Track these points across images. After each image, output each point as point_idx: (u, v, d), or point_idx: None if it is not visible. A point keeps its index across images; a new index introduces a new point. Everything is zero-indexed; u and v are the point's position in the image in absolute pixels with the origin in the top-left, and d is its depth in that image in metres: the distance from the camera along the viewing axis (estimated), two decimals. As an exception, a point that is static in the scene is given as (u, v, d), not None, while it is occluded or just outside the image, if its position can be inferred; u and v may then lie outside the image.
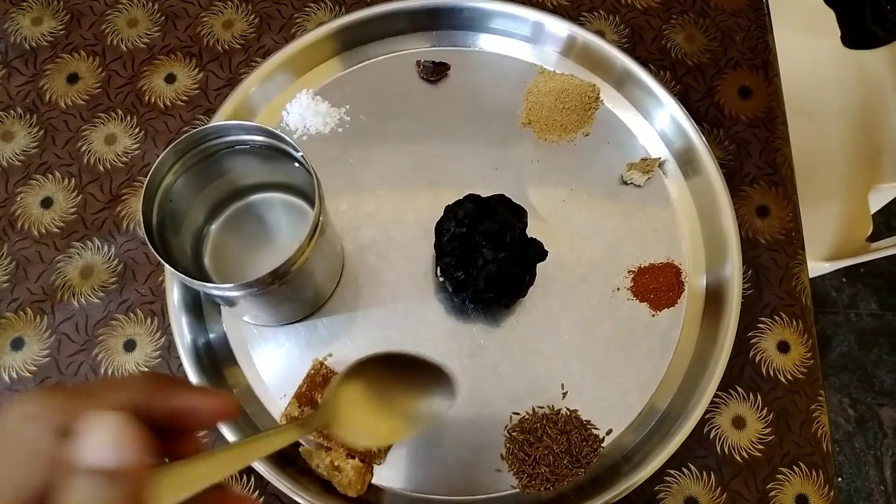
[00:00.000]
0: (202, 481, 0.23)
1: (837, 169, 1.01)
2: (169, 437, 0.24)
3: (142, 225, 0.43)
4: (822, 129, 1.02)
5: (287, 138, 0.45)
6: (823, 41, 1.06)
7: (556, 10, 0.66)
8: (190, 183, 0.49)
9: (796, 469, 0.55)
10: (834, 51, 1.06)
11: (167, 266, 0.43)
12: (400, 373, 0.37)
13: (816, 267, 0.96)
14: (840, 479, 1.35)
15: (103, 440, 0.19)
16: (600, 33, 0.64)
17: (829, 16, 1.07)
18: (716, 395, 0.55)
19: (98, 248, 0.59)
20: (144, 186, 0.44)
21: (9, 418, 0.20)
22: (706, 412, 0.55)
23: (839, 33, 1.06)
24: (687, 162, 0.61)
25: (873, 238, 0.96)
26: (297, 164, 0.48)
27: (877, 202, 0.99)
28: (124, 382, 0.23)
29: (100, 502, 0.19)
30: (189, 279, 0.43)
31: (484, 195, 0.54)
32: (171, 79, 0.64)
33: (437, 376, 0.37)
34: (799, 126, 0.97)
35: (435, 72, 0.63)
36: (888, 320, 1.49)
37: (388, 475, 0.54)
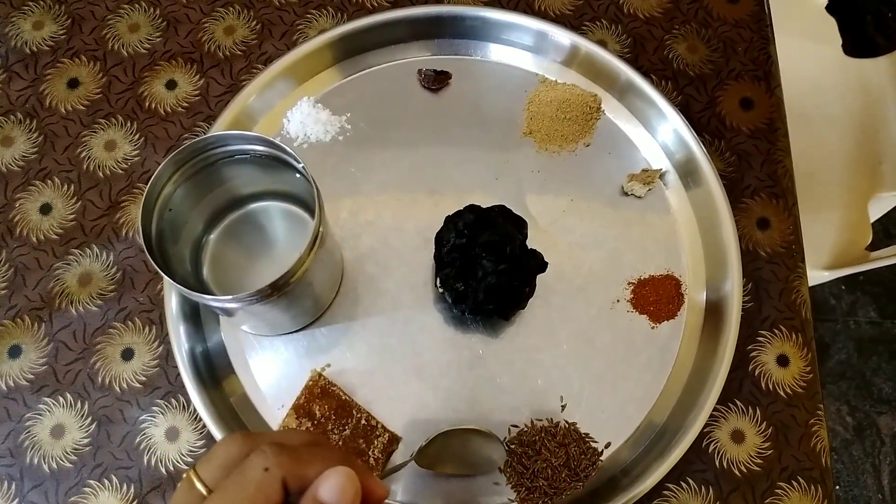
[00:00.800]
0: None
1: (837, 177, 1.01)
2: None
3: (141, 236, 0.43)
4: (822, 137, 1.02)
5: (288, 149, 0.45)
6: (824, 49, 1.06)
7: (559, 20, 0.66)
8: (189, 192, 0.49)
9: (795, 484, 0.55)
10: (835, 59, 1.06)
11: (165, 277, 0.43)
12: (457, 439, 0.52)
13: (816, 276, 0.96)
14: (838, 487, 1.35)
15: (338, 486, 0.26)
16: (602, 43, 0.64)
17: (831, 24, 1.06)
18: (715, 409, 0.55)
19: (97, 255, 0.59)
20: (144, 197, 0.44)
21: (250, 466, 0.26)
22: (705, 426, 0.54)
23: (840, 41, 1.06)
24: (688, 173, 0.61)
25: (873, 247, 0.96)
26: (297, 175, 0.48)
27: (876, 211, 0.99)
28: (329, 454, 0.28)
29: None
30: (187, 290, 0.43)
31: (484, 204, 0.54)
32: (171, 85, 0.64)
33: (488, 440, 0.52)
34: (799, 134, 0.97)
35: (436, 80, 0.63)
36: (887, 328, 1.49)
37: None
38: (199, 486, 0.27)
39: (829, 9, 1.06)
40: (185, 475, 0.28)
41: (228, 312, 0.50)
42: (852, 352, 1.47)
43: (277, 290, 0.45)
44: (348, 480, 0.26)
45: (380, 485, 0.30)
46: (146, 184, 0.44)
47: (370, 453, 0.51)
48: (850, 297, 1.51)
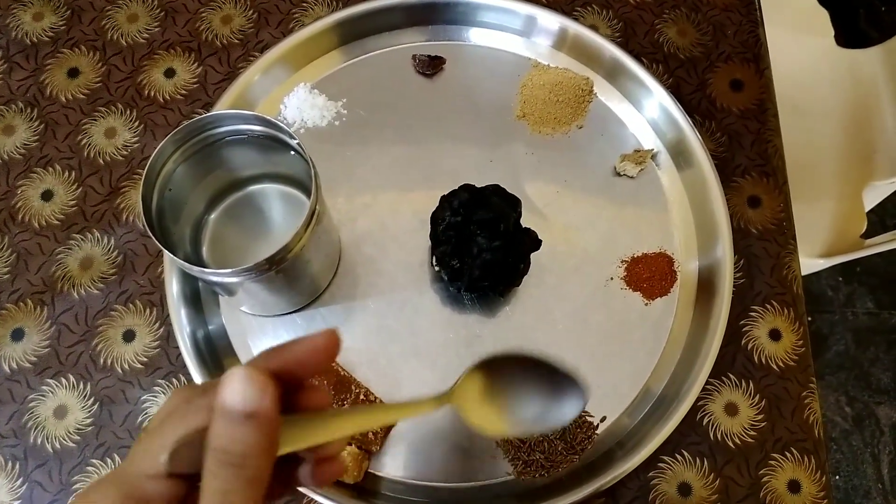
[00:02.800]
0: (324, 435, 0.26)
1: (831, 166, 1.02)
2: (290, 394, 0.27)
3: (141, 212, 0.44)
4: (815, 128, 1.03)
5: (283, 126, 0.46)
6: (817, 40, 1.07)
7: (551, 5, 0.67)
8: (189, 172, 0.50)
9: (788, 455, 0.55)
10: (827, 50, 1.07)
11: (166, 253, 0.43)
12: (530, 372, 0.36)
13: (811, 264, 0.97)
14: (837, 476, 1.36)
15: (239, 387, 0.23)
16: (593, 27, 0.65)
17: (823, 15, 1.08)
18: (708, 383, 0.56)
19: (98, 239, 0.60)
20: (144, 173, 0.45)
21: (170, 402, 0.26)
22: (699, 399, 0.55)
23: (833, 33, 1.07)
24: (679, 153, 0.62)
25: (868, 235, 0.97)
26: (294, 154, 0.49)
27: (871, 200, 1.00)
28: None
29: (237, 440, 0.23)
30: (188, 265, 0.43)
31: (479, 186, 0.55)
32: (170, 73, 0.65)
33: (566, 382, 0.36)
34: (793, 124, 0.98)
35: (430, 65, 0.64)
36: (884, 319, 1.49)
37: (384, 462, 0.54)
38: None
39: (821, 1, 1.07)
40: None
41: (228, 289, 0.51)
42: (850, 343, 1.48)
43: (275, 265, 0.45)
44: (248, 380, 0.23)
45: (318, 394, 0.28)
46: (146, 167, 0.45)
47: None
48: (847, 289, 1.52)
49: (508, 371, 0.36)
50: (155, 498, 0.24)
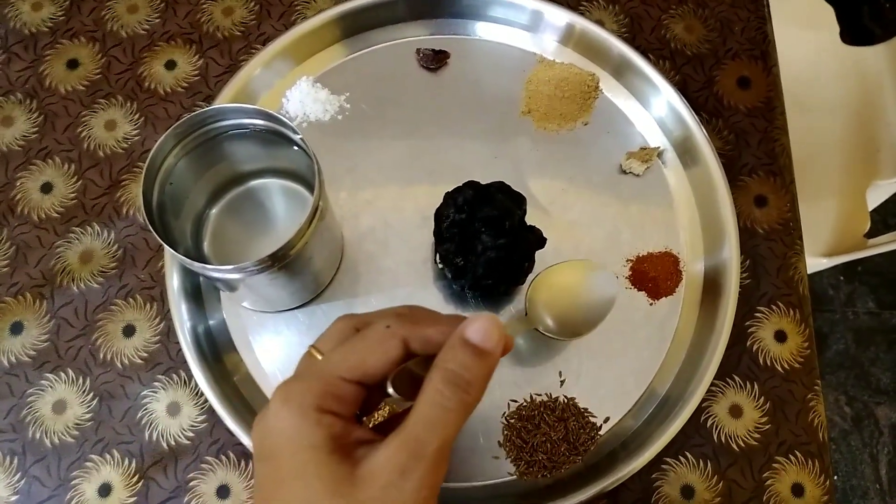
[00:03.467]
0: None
1: (835, 164, 1.01)
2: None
3: (142, 207, 0.43)
4: (819, 125, 1.03)
5: (286, 120, 0.45)
6: (821, 36, 1.06)
7: (556, 0, 0.66)
8: (190, 166, 0.49)
9: (792, 458, 0.55)
10: (832, 46, 1.06)
11: (167, 248, 0.43)
12: (567, 276, 0.49)
13: (814, 263, 0.96)
14: (836, 477, 1.36)
15: (484, 328, 0.29)
16: (600, 23, 0.64)
17: (828, 11, 1.07)
18: (713, 384, 0.55)
19: (98, 233, 0.59)
20: (145, 168, 0.44)
21: (373, 327, 0.30)
22: (703, 400, 0.55)
23: (838, 30, 1.06)
24: (686, 151, 0.61)
25: (871, 235, 0.97)
26: (296, 148, 0.48)
27: (874, 198, 1.00)
28: (444, 318, 0.32)
29: (470, 368, 0.28)
30: (189, 261, 0.43)
31: (483, 183, 0.54)
32: (171, 65, 0.64)
33: (599, 276, 0.49)
34: (796, 121, 0.97)
35: (435, 60, 0.63)
36: (885, 319, 1.49)
37: (385, 461, 0.54)
38: (316, 355, 0.31)
39: (825, -3, 1.06)
40: (306, 351, 0.32)
41: (229, 285, 0.50)
42: (850, 342, 1.48)
43: (277, 261, 0.45)
44: (494, 325, 0.29)
45: (510, 339, 0.32)
46: (146, 163, 0.44)
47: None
48: (848, 288, 1.52)
49: (555, 282, 0.48)
50: (347, 396, 0.29)
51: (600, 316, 0.51)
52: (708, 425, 0.56)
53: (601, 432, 0.55)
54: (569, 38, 0.64)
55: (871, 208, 0.98)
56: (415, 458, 0.27)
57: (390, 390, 0.28)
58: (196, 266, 0.43)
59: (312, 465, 0.27)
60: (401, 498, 0.27)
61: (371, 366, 0.29)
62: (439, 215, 0.54)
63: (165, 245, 0.43)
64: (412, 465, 0.27)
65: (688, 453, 0.55)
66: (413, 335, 0.30)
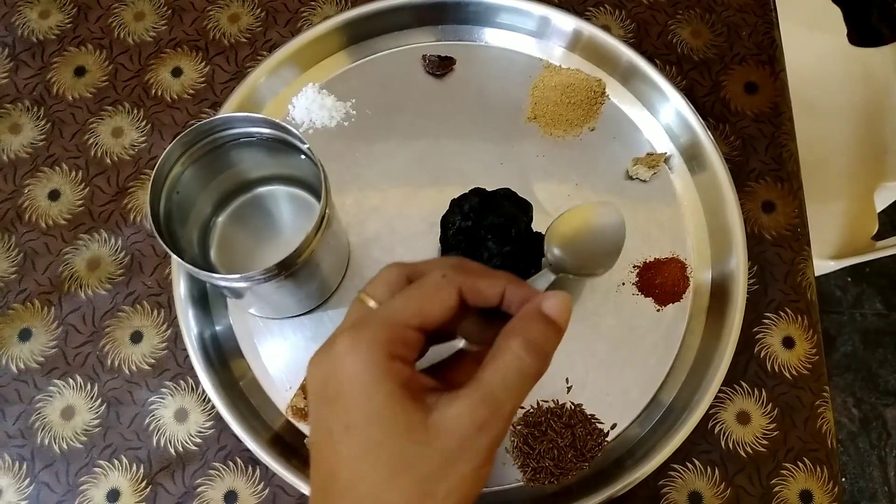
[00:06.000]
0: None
1: (843, 167, 1.01)
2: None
3: (149, 215, 0.44)
4: (827, 127, 1.02)
5: (293, 130, 0.46)
6: (829, 38, 1.06)
7: (562, 5, 0.66)
8: (197, 175, 0.49)
9: (801, 465, 0.55)
10: (839, 48, 1.05)
11: (174, 256, 0.43)
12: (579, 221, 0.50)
13: (822, 265, 0.96)
14: (844, 479, 1.35)
15: (561, 306, 0.30)
16: (606, 28, 0.64)
17: (836, 13, 1.06)
18: (720, 391, 0.55)
19: (105, 240, 0.60)
20: (152, 177, 0.44)
21: (430, 276, 0.31)
22: (711, 407, 0.54)
23: (845, 31, 1.06)
24: (692, 157, 0.61)
25: (879, 237, 0.96)
26: (303, 157, 0.49)
27: (882, 201, 0.99)
28: (497, 273, 0.32)
29: (548, 340, 0.30)
30: (196, 270, 0.43)
31: (489, 189, 0.54)
32: (177, 72, 0.64)
33: (604, 207, 0.51)
34: (804, 123, 0.97)
35: (440, 66, 0.63)
36: (893, 320, 1.48)
37: (392, 467, 0.54)
38: (370, 302, 0.31)
39: (834, -1, 1.06)
40: (356, 297, 0.32)
41: (236, 293, 0.50)
42: (858, 344, 1.47)
43: (285, 270, 0.45)
44: (568, 303, 0.31)
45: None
46: (153, 169, 0.44)
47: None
48: (855, 290, 1.51)
49: (567, 223, 0.49)
50: (411, 343, 0.29)
51: (614, 246, 0.51)
52: (715, 432, 0.55)
53: (608, 439, 0.55)
54: (575, 43, 0.64)
55: (878, 210, 0.98)
56: (493, 417, 0.28)
57: (462, 343, 0.30)
58: (202, 275, 0.44)
59: (387, 411, 0.27)
60: (476, 452, 0.27)
61: (431, 314, 0.29)
62: (445, 222, 0.54)
63: (172, 254, 0.43)
64: (489, 423, 0.28)
65: (695, 460, 0.55)
66: (467, 286, 0.30)
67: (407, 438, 0.27)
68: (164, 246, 0.43)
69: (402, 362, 0.28)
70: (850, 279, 1.52)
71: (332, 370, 0.28)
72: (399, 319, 0.29)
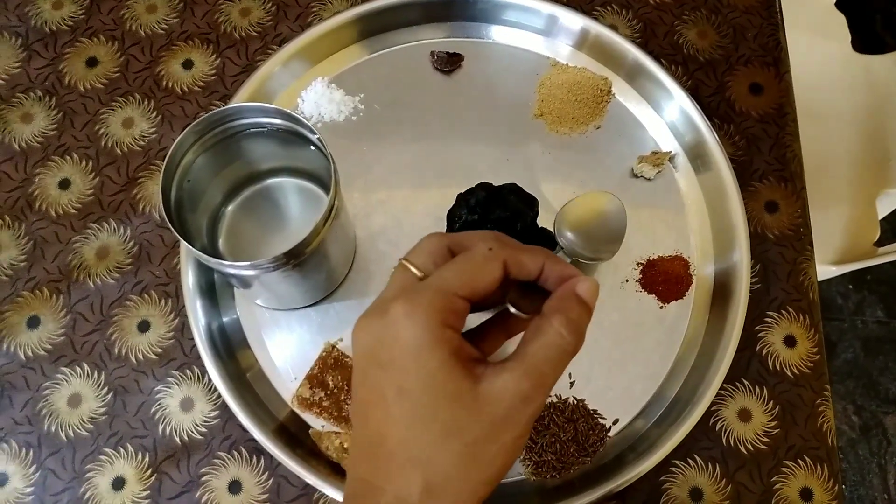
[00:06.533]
0: None
1: (845, 173, 1.01)
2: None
3: (160, 202, 0.44)
4: (830, 133, 1.03)
5: (304, 120, 0.46)
6: (833, 45, 1.06)
7: (570, 4, 0.67)
8: (208, 164, 0.50)
9: (801, 462, 0.55)
10: (843, 55, 1.06)
11: (183, 243, 0.44)
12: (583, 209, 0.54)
13: (823, 270, 0.96)
14: (843, 486, 1.35)
15: (594, 293, 0.32)
16: (613, 27, 0.65)
17: (840, 20, 1.07)
18: (722, 388, 0.55)
19: (114, 229, 0.60)
20: (164, 164, 0.45)
21: (477, 248, 0.32)
22: (712, 404, 0.55)
23: (849, 38, 1.06)
24: (697, 156, 0.61)
25: (880, 243, 0.96)
26: (312, 148, 0.49)
27: (885, 207, 1.00)
28: (535, 248, 0.33)
29: (584, 322, 0.31)
30: (205, 257, 0.43)
31: (496, 184, 0.55)
32: (188, 64, 0.65)
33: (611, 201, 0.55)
34: (807, 129, 0.97)
35: (449, 62, 0.63)
36: (894, 328, 1.48)
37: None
38: (413, 269, 0.32)
39: (838, 5, 1.06)
40: (397, 264, 0.33)
41: (244, 282, 0.51)
42: (859, 351, 1.47)
43: (293, 259, 0.45)
44: (597, 288, 0.32)
45: None
46: (163, 161, 0.45)
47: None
48: (857, 297, 1.51)
49: (575, 210, 0.54)
50: (460, 311, 0.30)
51: (618, 232, 0.55)
52: (717, 429, 0.56)
53: (610, 434, 0.55)
54: (582, 42, 0.64)
55: (881, 217, 0.98)
56: (536, 389, 0.29)
57: (512, 308, 0.31)
58: (212, 262, 0.44)
59: (440, 377, 0.28)
60: (519, 421, 0.29)
61: (480, 285, 0.30)
62: (451, 216, 0.55)
63: (182, 240, 0.43)
64: (533, 395, 0.29)
65: (696, 456, 0.55)
66: (512, 259, 0.31)
67: (458, 405, 0.28)
68: (175, 232, 0.43)
69: (452, 330, 0.29)
70: (851, 286, 1.52)
71: (385, 334, 0.29)
72: (452, 289, 0.30)
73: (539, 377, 0.29)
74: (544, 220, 0.55)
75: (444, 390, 0.28)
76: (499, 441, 0.29)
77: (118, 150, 0.62)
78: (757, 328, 0.58)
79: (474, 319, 0.35)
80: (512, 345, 0.32)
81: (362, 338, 0.31)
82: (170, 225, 0.43)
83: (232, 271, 0.46)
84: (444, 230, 0.56)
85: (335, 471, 0.52)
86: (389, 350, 0.29)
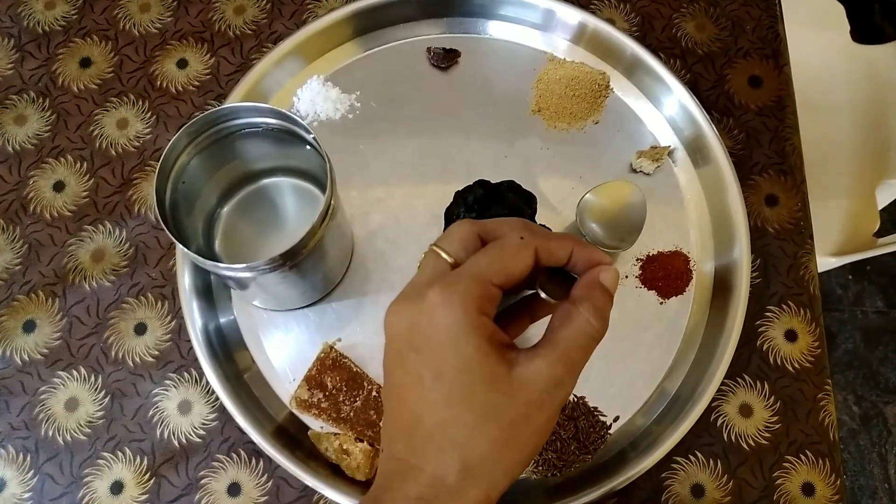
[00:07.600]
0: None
1: (845, 164, 1.01)
2: None
3: (155, 204, 0.44)
4: (830, 124, 1.02)
5: (299, 120, 0.46)
6: (832, 36, 1.06)
7: (567, -2, 0.66)
8: (203, 164, 0.49)
9: (803, 457, 0.55)
10: (843, 45, 1.05)
11: (179, 245, 0.43)
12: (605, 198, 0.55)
13: (823, 262, 0.96)
14: (844, 476, 1.35)
15: (616, 281, 0.33)
16: (611, 21, 0.64)
17: (839, 10, 1.06)
18: (723, 383, 0.55)
19: (110, 231, 0.60)
20: (158, 166, 0.44)
21: (509, 237, 0.32)
22: (713, 400, 0.55)
23: (848, 28, 1.06)
24: (696, 150, 0.61)
25: (880, 234, 0.96)
26: (308, 148, 0.49)
27: (884, 198, 0.99)
28: (565, 236, 0.34)
29: (608, 310, 0.32)
30: (201, 259, 0.43)
31: (493, 182, 0.54)
32: (182, 64, 0.65)
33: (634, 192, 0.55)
34: (807, 120, 0.97)
35: (445, 58, 0.63)
36: (894, 318, 1.48)
37: (396, 459, 0.54)
38: (444, 255, 0.32)
39: (836, -5, 1.06)
40: (428, 250, 0.34)
41: (241, 283, 0.50)
42: (859, 341, 1.47)
43: (290, 260, 0.45)
44: (617, 277, 0.33)
45: None
46: (158, 161, 0.44)
47: (381, 424, 0.52)
48: (856, 287, 1.51)
49: (598, 198, 0.55)
50: (494, 298, 0.31)
51: (638, 224, 0.55)
52: (718, 424, 0.56)
53: (611, 431, 0.55)
54: (580, 36, 0.64)
55: (880, 207, 0.98)
56: (568, 374, 0.30)
57: (543, 294, 0.32)
58: (208, 264, 0.44)
59: (476, 362, 0.29)
60: (551, 405, 0.30)
61: (513, 272, 0.31)
62: (449, 214, 0.54)
63: (178, 243, 0.43)
64: (565, 380, 0.30)
65: (698, 452, 0.55)
66: (542, 247, 0.32)
67: (493, 389, 0.29)
68: (170, 235, 0.43)
69: (487, 317, 0.30)
70: (851, 277, 1.52)
71: (420, 320, 0.30)
72: (487, 277, 0.30)
73: (570, 363, 0.30)
74: (542, 217, 0.55)
75: (480, 375, 0.29)
76: (533, 424, 0.30)
77: (113, 152, 0.62)
78: (757, 323, 0.58)
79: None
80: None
81: (397, 322, 0.31)
82: (165, 227, 0.43)
83: (228, 273, 0.46)
84: (443, 228, 0.55)
85: (334, 472, 0.52)
86: (426, 335, 0.30)
